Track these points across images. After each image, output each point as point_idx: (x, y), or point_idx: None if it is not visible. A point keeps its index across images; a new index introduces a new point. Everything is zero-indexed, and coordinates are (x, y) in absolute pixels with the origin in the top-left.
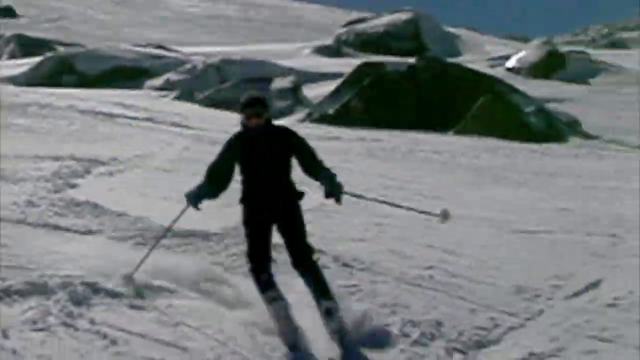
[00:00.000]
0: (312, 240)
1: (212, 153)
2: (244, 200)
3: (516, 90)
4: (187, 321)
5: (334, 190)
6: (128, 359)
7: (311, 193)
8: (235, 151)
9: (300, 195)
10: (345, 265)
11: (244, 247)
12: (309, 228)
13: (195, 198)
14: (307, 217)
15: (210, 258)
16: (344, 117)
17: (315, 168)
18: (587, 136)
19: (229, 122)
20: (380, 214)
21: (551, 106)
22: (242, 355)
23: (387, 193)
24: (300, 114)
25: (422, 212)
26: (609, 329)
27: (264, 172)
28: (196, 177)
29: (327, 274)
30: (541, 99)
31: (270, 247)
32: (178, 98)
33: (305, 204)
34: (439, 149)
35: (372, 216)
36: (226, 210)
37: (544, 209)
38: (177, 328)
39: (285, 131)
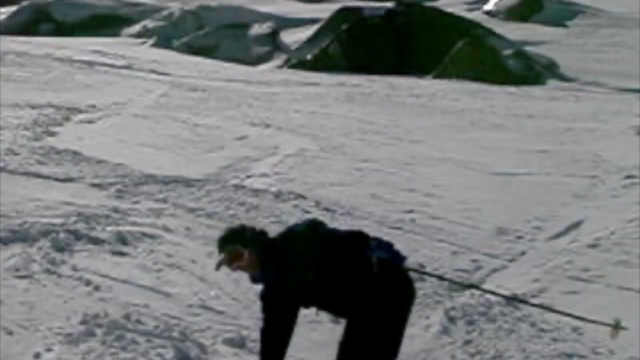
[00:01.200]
0: (294, 186)
1: (190, 99)
2: None
3: (494, 34)
4: (170, 267)
5: None
6: (111, 304)
7: (292, 138)
8: None
9: None
10: (327, 209)
11: None
12: (290, 174)
13: None
14: (287, 162)
15: (193, 204)
16: (322, 62)
17: None
18: (564, 78)
19: (207, 69)
20: (360, 158)
21: (529, 49)
22: (226, 300)
23: (365, 137)
24: (279, 60)
25: (591, 321)
26: (591, 269)
27: None
28: (174, 124)
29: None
30: (519, 41)
31: None
32: (155, 45)
33: (285, 149)
34: (417, 93)
35: (352, 160)
36: (207, 156)
37: (523, 151)
38: (161, 273)
39: None
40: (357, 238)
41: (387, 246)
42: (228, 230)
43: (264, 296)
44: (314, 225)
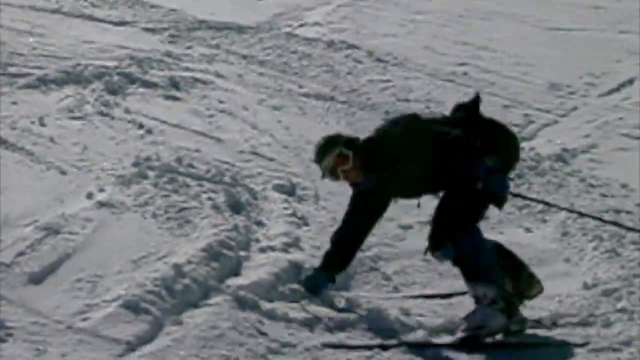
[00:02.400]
0: (346, 36)
1: None
2: None
3: None
4: (222, 112)
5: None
6: (163, 148)
7: None
8: None
9: None
10: (379, 60)
11: None
12: (343, 23)
13: None
14: (340, 11)
15: (245, 51)
16: None
17: None
18: None
19: None
20: (414, 10)
21: None
22: (276, 147)
23: None
24: None
25: None
26: None
27: None
28: None
29: (361, 69)
30: None
31: None
32: None
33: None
34: None
35: (406, 12)
36: (260, 4)
37: (578, 6)
38: (212, 119)
39: None
40: (467, 147)
41: (494, 171)
42: (325, 137)
43: (360, 193)
44: (413, 120)
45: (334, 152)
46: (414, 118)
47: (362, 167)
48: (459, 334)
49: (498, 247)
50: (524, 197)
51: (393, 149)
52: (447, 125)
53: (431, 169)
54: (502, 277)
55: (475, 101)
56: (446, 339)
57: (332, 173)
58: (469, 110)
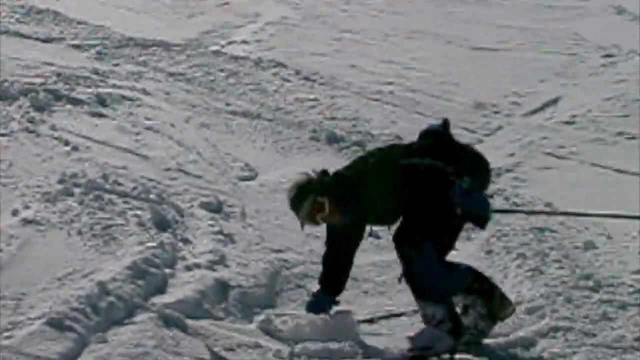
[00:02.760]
0: (274, 54)
1: None
2: None
3: None
4: (149, 130)
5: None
6: (89, 165)
7: (274, 5)
8: None
9: None
10: (306, 78)
11: None
12: (270, 42)
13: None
14: (268, 29)
15: (172, 69)
16: None
17: None
18: None
19: None
20: (341, 28)
21: None
22: (203, 165)
23: (346, 8)
24: None
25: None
26: (565, 146)
27: None
28: None
29: (288, 87)
30: None
31: None
32: None
33: (266, 17)
34: None
35: (334, 31)
36: (188, 22)
37: (504, 27)
38: (139, 136)
39: None
40: (439, 175)
41: (469, 192)
42: (296, 185)
43: (334, 228)
44: (380, 155)
45: (308, 200)
46: (380, 152)
47: (338, 208)
48: (406, 353)
49: (472, 270)
50: (507, 212)
51: (363, 188)
52: (416, 155)
53: (402, 201)
54: (467, 298)
55: (445, 126)
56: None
57: (311, 220)
58: (438, 136)
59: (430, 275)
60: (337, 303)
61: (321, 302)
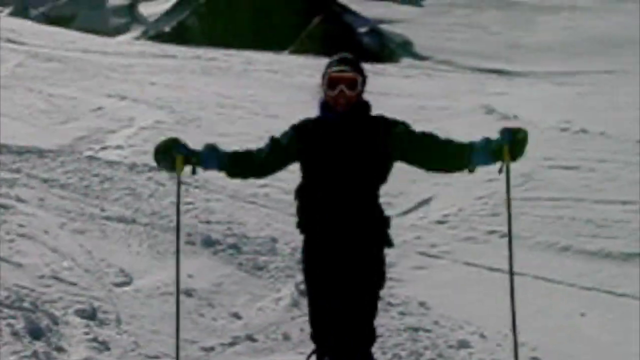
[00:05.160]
0: (148, 158)
1: (47, 69)
2: (306, 226)
3: (350, 11)
4: (23, 237)
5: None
6: None
7: (147, 110)
8: (302, 143)
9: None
10: (181, 182)
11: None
12: (144, 146)
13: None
14: (142, 134)
15: (46, 175)
16: (180, 35)
17: (454, 148)
18: (418, 57)
19: (63, 39)
20: (216, 132)
21: (384, 27)
22: (78, 271)
23: (221, 111)
24: (136, 31)
25: None
26: (438, 245)
27: (340, 180)
28: (29, 94)
29: (163, 191)
30: (374, 19)
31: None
32: (12, 14)
33: (140, 121)
34: (274, 68)
35: (208, 134)
36: (62, 127)
37: None
38: (12, 244)
39: (385, 121)
40: None
41: None
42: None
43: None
44: None
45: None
46: None
47: None
48: None
49: None
50: None
51: None
52: None
53: None
54: None
55: None
56: None
57: None
58: None
59: None
60: None
61: None
